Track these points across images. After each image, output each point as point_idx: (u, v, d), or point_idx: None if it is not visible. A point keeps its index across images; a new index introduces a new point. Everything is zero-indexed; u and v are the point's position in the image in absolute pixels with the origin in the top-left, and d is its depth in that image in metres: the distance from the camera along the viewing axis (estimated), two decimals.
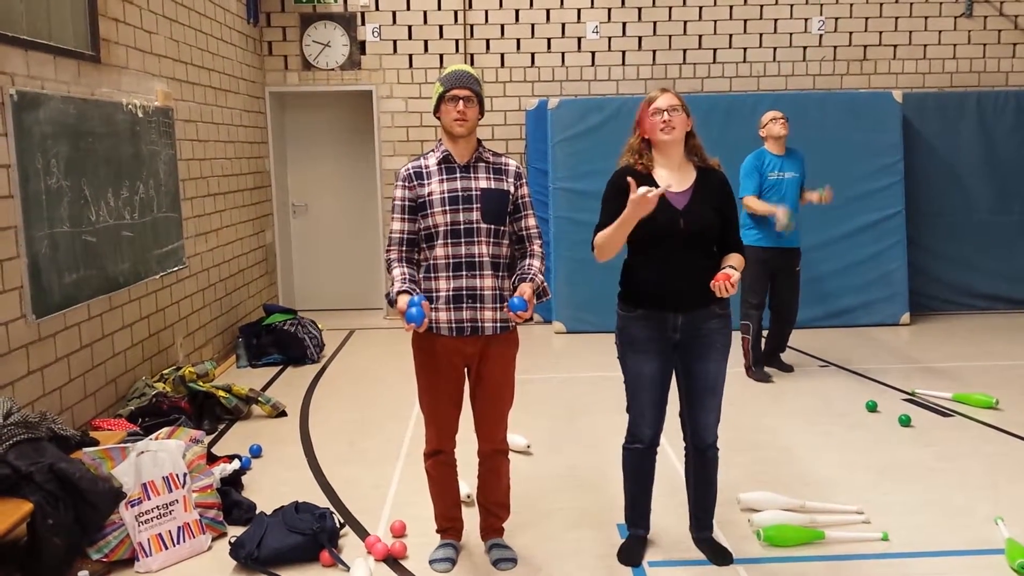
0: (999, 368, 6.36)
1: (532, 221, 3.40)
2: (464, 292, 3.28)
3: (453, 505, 3.61)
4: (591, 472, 4.48)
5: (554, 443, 4.94)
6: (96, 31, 4.92)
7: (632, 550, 3.57)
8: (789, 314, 6.31)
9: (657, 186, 3.24)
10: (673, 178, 3.34)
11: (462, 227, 3.27)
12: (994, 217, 8.28)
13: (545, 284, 3.32)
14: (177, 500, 3.69)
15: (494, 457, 3.52)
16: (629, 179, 3.14)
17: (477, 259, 3.28)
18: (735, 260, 3.31)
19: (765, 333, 6.42)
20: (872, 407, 5.41)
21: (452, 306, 3.29)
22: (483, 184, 3.30)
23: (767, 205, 6.00)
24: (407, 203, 3.33)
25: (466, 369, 3.42)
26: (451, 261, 3.28)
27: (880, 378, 6.14)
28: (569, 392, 5.99)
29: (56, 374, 4.46)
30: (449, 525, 3.62)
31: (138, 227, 5.24)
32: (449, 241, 3.27)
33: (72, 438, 3.77)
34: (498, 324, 3.32)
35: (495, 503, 3.59)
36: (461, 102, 3.24)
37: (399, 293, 3.22)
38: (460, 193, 3.28)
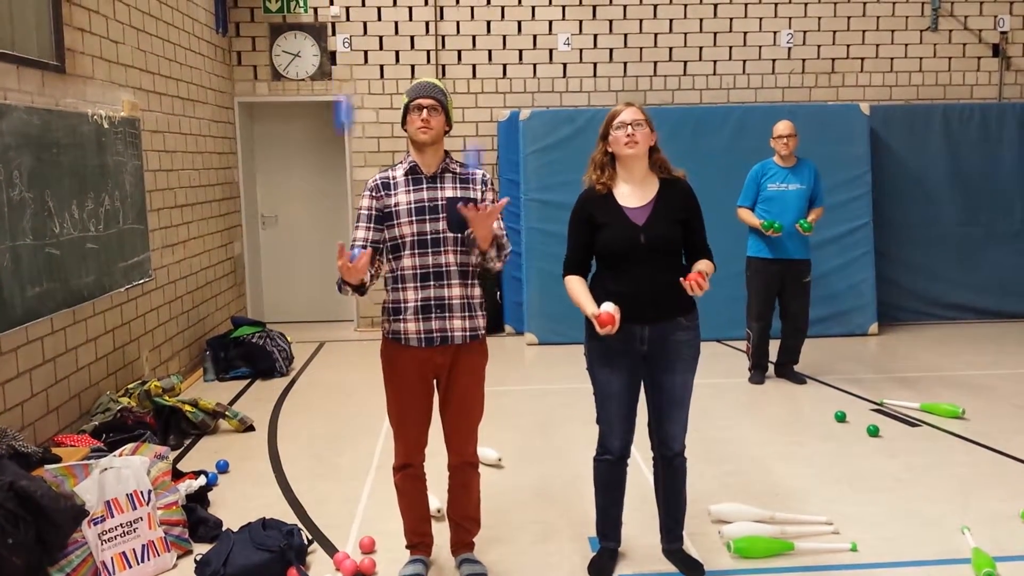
0: (966, 378, 6.43)
1: (495, 224, 3.34)
2: (432, 302, 3.27)
3: (422, 520, 3.58)
4: (562, 485, 4.46)
5: (525, 456, 4.92)
6: (61, 41, 4.85)
7: (603, 563, 3.56)
8: (799, 324, 6.32)
9: (617, 204, 3.32)
10: (634, 192, 3.35)
11: (428, 237, 3.26)
12: (960, 228, 8.39)
13: (505, 241, 3.30)
14: (141, 517, 3.62)
15: (464, 470, 3.50)
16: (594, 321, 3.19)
17: (444, 268, 3.27)
18: (703, 265, 3.33)
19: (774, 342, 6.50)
20: (841, 417, 5.45)
21: (420, 316, 3.27)
22: (449, 194, 3.30)
23: (755, 219, 6.08)
24: (373, 212, 3.31)
25: (435, 382, 3.40)
26: (418, 271, 3.27)
27: (849, 388, 6.18)
28: (541, 404, 5.97)
29: (17, 389, 4.38)
30: (418, 540, 3.58)
31: (103, 239, 5.17)
32: (416, 251, 3.26)
33: (33, 455, 3.71)
34: (467, 333, 3.32)
35: (465, 517, 3.56)
36: (425, 111, 3.25)
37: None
38: (426, 203, 3.27)
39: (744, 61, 8.76)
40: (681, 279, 3.19)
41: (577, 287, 3.36)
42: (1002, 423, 5.35)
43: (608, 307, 3.16)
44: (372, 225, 3.32)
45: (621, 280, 3.27)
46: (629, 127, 3.29)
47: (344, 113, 2.86)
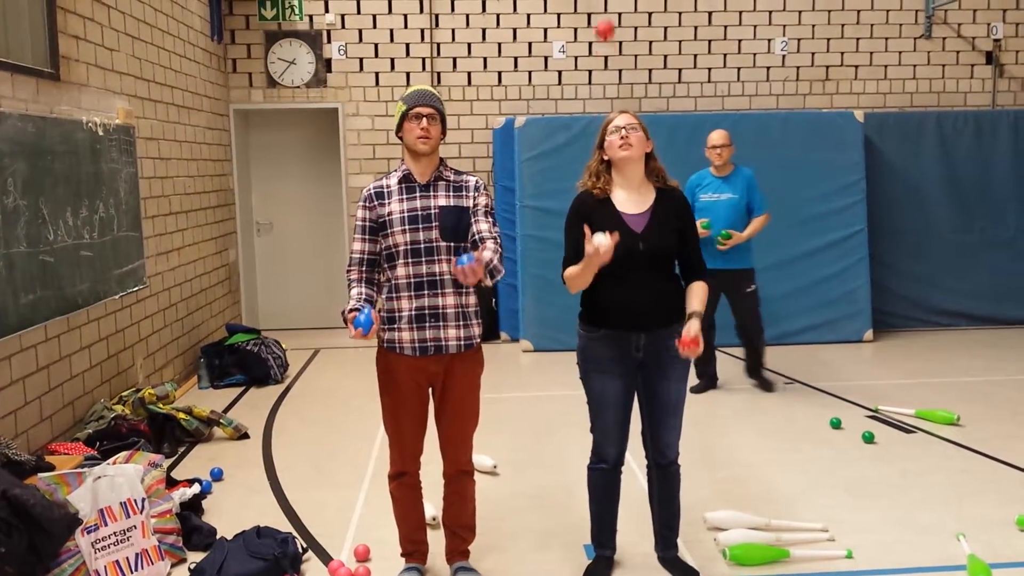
0: (960, 384, 6.44)
1: (485, 226, 3.31)
2: (427, 311, 3.27)
3: (418, 528, 3.57)
4: (557, 492, 4.45)
5: (520, 463, 4.91)
6: (56, 48, 4.85)
7: (599, 571, 3.55)
8: (750, 333, 6.26)
9: (616, 210, 3.30)
10: (632, 199, 3.35)
11: (422, 246, 3.26)
12: (955, 235, 8.41)
13: (498, 264, 3.21)
14: (135, 526, 3.61)
15: (460, 479, 3.49)
16: (585, 228, 3.12)
17: (438, 277, 3.27)
18: (697, 296, 3.30)
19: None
20: (836, 424, 5.45)
21: (415, 326, 3.27)
22: (442, 202, 3.29)
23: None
24: (368, 224, 3.32)
25: (431, 389, 3.40)
26: (412, 280, 3.26)
27: (844, 395, 6.18)
28: (536, 411, 5.96)
29: (11, 397, 4.36)
30: (414, 548, 3.57)
31: (97, 246, 5.15)
32: (410, 260, 3.26)
33: (27, 463, 3.69)
34: (462, 342, 3.31)
35: (461, 525, 3.55)
36: (424, 119, 3.25)
37: (351, 311, 3.20)
38: (419, 212, 3.27)
39: (739, 69, 8.79)
40: (676, 341, 3.17)
41: (573, 268, 3.26)
42: (997, 429, 5.35)
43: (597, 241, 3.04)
44: (367, 237, 3.33)
45: (618, 288, 3.26)
46: (623, 130, 3.30)
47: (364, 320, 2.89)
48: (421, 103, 3.26)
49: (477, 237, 3.32)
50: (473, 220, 3.33)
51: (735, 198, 6.03)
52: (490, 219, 3.36)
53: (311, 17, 8.49)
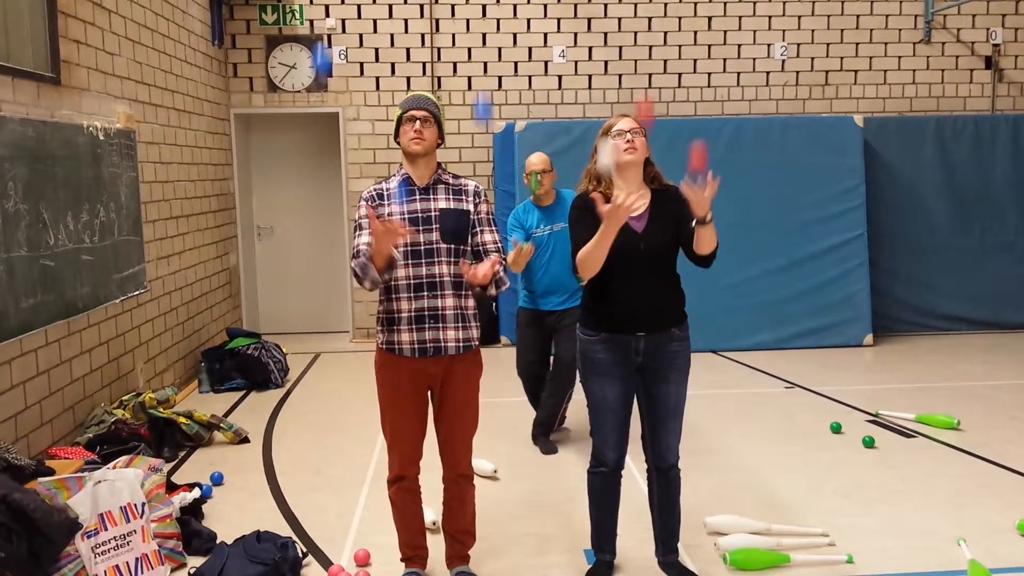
0: (961, 388, 6.44)
1: (489, 237, 3.37)
2: (426, 312, 3.27)
3: (417, 533, 3.57)
4: (557, 497, 4.45)
5: (520, 468, 4.91)
6: (56, 53, 4.86)
7: None
8: (563, 373, 5.11)
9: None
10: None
11: (422, 247, 3.27)
12: (955, 239, 8.42)
13: (504, 275, 3.28)
14: (135, 530, 3.60)
15: (459, 483, 3.49)
16: (594, 195, 3.13)
17: (438, 279, 3.28)
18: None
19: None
20: (836, 428, 5.45)
21: (414, 327, 3.28)
22: (442, 205, 3.31)
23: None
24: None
25: (430, 393, 3.40)
26: (412, 282, 3.27)
27: (844, 399, 6.18)
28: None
29: (11, 401, 4.36)
30: (413, 553, 3.56)
31: (98, 251, 5.16)
32: (409, 262, 3.27)
33: (27, 468, 3.69)
34: (460, 344, 3.32)
35: (460, 530, 3.55)
36: (418, 122, 3.28)
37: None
38: (420, 214, 3.29)
39: (738, 73, 8.80)
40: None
41: (587, 245, 3.17)
42: (997, 434, 5.35)
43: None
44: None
45: (619, 290, 3.27)
46: (628, 134, 3.30)
47: (482, 110, 2.88)
48: (414, 106, 3.30)
49: (481, 248, 3.35)
50: (478, 230, 3.35)
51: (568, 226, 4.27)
52: (493, 229, 3.39)
53: (312, 22, 8.51)
